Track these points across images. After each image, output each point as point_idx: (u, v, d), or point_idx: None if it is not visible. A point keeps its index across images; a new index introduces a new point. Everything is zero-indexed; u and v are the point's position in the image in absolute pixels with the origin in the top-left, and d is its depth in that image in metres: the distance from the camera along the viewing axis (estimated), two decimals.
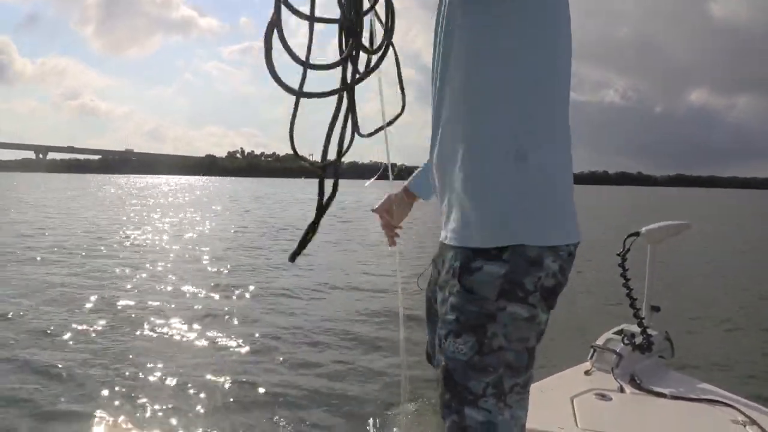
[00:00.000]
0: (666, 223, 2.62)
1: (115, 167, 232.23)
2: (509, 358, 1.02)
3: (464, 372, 1.02)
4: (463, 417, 1.01)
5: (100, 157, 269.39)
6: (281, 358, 4.30)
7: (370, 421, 3.24)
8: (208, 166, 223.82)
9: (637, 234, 2.51)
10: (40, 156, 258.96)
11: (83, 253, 9.53)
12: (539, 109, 1.04)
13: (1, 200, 26.73)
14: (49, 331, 4.78)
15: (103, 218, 17.39)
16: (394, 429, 3.17)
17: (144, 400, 3.46)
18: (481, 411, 1.01)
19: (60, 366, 3.95)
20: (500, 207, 1.04)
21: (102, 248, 10.33)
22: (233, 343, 4.66)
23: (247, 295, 6.62)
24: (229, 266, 8.70)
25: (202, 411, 3.37)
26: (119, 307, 5.74)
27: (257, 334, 4.91)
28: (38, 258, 8.91)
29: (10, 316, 5.25)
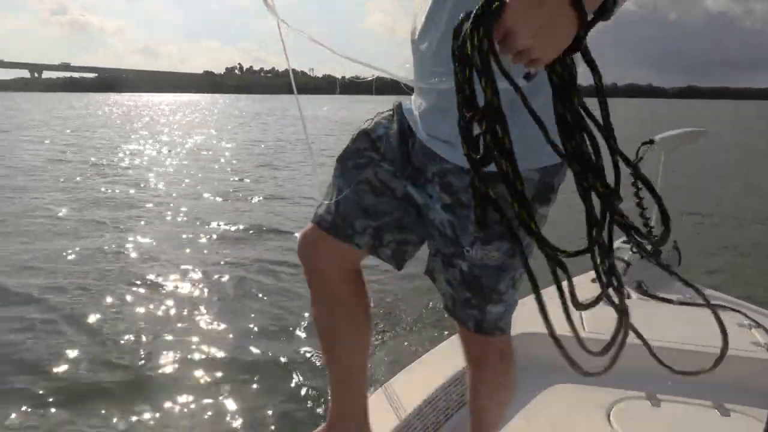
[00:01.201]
0: (681, 131, 2.55)
1: (111, 85, 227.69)
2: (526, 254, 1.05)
3: (496, 276, 1.06)
4: (485, 313, 1.10)
5: (96, 75, 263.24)
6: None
7: None
8: (207, 83, 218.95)
9: (651, 142, 2.44)
10: (36, 75, 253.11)
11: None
12: None
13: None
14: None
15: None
16: None
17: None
18: (503, 304, 1.10)
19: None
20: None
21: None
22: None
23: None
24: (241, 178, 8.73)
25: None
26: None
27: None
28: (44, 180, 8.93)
29: None
